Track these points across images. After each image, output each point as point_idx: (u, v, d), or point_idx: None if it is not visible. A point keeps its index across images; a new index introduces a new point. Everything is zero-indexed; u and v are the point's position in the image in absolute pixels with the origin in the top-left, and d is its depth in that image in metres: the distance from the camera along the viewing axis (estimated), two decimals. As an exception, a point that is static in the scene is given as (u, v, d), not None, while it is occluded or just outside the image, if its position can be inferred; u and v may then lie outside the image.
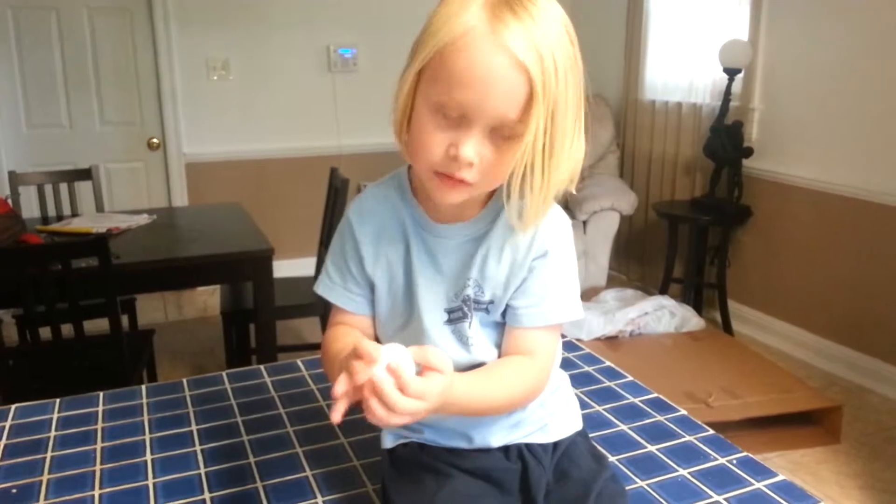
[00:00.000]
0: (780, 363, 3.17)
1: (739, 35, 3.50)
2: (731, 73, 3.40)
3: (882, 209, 2.98)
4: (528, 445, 0.98)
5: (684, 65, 3.91)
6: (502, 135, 0.77)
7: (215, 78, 4.13)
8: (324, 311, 2.89)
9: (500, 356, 0.93)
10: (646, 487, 1.06)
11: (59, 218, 2.99)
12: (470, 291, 0.91)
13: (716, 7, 3.68)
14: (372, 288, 0.94)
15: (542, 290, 0.90)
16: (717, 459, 1.13)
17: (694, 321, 3.38)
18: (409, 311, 0.93)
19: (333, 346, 0.91)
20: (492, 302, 0.91)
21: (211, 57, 4.10)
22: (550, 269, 0.90)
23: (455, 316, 0.92)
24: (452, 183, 0.80)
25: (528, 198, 0.80)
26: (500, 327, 0.94)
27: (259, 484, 1.07)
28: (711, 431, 1.22)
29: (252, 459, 1.13)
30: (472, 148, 0.77)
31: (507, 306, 0.92)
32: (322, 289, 0.97)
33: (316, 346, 3.01)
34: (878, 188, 2.98)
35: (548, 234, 0.90)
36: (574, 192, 0.86)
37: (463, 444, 0.97)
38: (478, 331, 0.93)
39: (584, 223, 3.84)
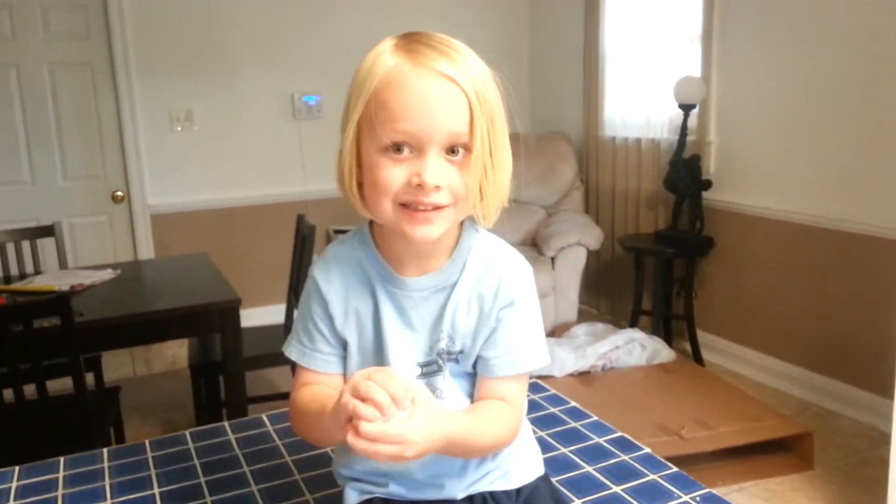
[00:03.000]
0: (751, 391, 3.20)
1: (692, 71, 3.60)
2: (686, 108, 3.49)
3: (842, 235, 3.05)
4: (492, 494, 0.98)
5: (641, 102, 4.00)
6: (455, 152, 0.81)
7: (179, 129, 4.14)
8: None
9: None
10: (611, 530, 1.06)
11: (22, 276, 2.94)
12: (444, 344, 0.92)
13: (668, 45, 3.79)
14: (344, 345, 0.95)
15: (511, 341, 0.92)
16: (680, 497, 1.14)
17: (665, 353, 3.40)
18: (379, 365, 0.93)
19: (312, 406, 0.90)
20: (461, 352, 0.93)
21: (174, 108, 4.11)
22: (518, 319, 0.92)
23: (429, 369, 0.93)
24: (425, 214, 0.81)
25: (485, 207, 0.85)
26: (469, 377, 0.96)
27: (222, 546, 1.05)
28: (675, 469, 1.23)
29: (215, 521, 1.12)
30: (434, 171, 0.79)
31: (478, 357, 0.93)
32: (294, 354, 0.96)
33: (287, 396, 2.97)
34: (836, 215, 3.06)
35: (512, 284, 0.92)
36: (506, 205, 0.89)
37: (430, 496, 0.97)
38: (449, 382, 0.94)
39: (553, 259, 3.88)
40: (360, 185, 0.85)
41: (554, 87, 4.73)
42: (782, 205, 3.31)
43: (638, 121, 4.03)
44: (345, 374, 0.96)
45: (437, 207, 0.81)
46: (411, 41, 0.81)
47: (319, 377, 0.95)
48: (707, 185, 3.56)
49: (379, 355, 0.93)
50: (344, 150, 0.84)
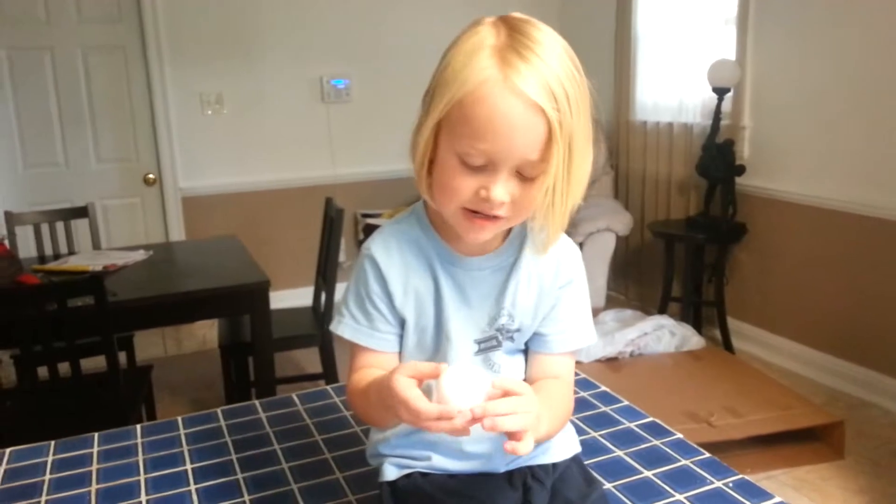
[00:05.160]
0: (782, 380, 3.16)
1: (727, 54, 3.53)
2: (720, 92, 3.42)
3: (877, 223, 2.99)
4: (531, 469, 0.99)
5: (674, 85, 3.94)
6: (526, 173, 0.81)
7: (209, 112, 4.17)
8: (322, 341, 2.89)
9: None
10: (642, 514, 1.05)
11: (56, 257, 2.99)
12: (504, 320, 0.94)
13: (702, 28, 3.72)
14: (402, 324, 0.95)
15: (569, 317, 0.97)
16: (713, 483, 1.12)
17: (694, 340, 3.37)
18: (437, 343, 0.95)
19: (367, 388, 0.90)
20: (518, 330, 0.96)
21: (204, 91, 4.13)
22: (575, 296, 0.97)
23: (487, 345, 0.95)
24: (483, 222, 0.84)
25: (549, 224, 0.85)
26: (521, 354, 0.99)
27: (254, 522, 1.06)
28: (707, 455, 1.22)
29: (247, 497, 1.13)
30: (503, 189, 0.81)
31: (535, 334, 0.97)
32: (348, 332, 0.95)
33: (315, 377, 3.01)
34: (872, 202, 2.99)
35: (570, 263, 0.96)
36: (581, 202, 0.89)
37: (473, 468, 0.97)
38: (505, 358, 0.97)
39: (581, 245, 3.85)
40: (430, 168, 0.85)
41: (584, 70, 4.66)
42: (817, 191, 3.24)
43: (670, 104, 3.97)
44: (401, 353, 0.96)
45: (497, 217, 0.84)
46: (509, 46, 0.79)
47: (377, 357, 0.95)
48: (741, 170, 3.50)
49: (438, 333, 0.94)
50: (421, 137, 0.83)
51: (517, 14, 0.83)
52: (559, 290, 0.95)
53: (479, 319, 0.94)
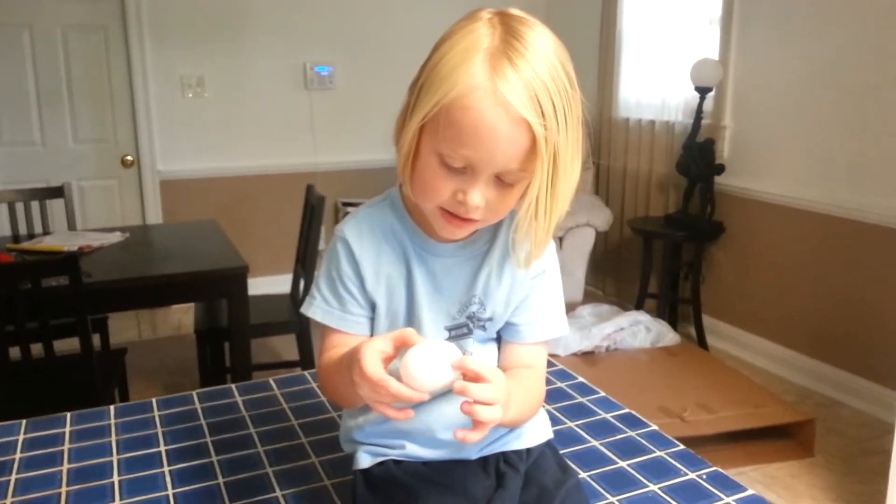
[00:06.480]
0: (755, 377, 3.20)
1: (710, 54, 3.56)
2: (703, 91, 3.45)
3: (852, 224, 3.03)
4: (504, 455, 0.99)
5: (657, 83, 3.96)
6: (505, 179, 0.81)
7: (190, 95, 4.12)
8: (299, 328, 2.88)
9: None
10: (616, 503, 1.06)
11: (31, 236, 2.94)
12: (474, 308, 0.94)
13: (687, 27, 3.75)
14: (373, 307, 0.94)
15: (542, 307, 0.97)
16: (687, 474, 1.14)
17: (669, 336, 3.40)
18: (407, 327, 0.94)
19: (337, 365, 0.90)
20: (490, 319, 0.96)
21: (186, 74, 4.08)
22: (548, 287, 0.98)
23: (457, 333, 0.95)
24: (459, 222, 0.84)
25: (532, 238, 0.85)
26: (493, 343, 0.99)
27: (228, 505, 1.06)
28: (682, 446, 1.23)
29: (221, 480, 1.12)
30: (479, 195, 0.81)
31: (507, 323, 0.97)
32: (319, 314, 0.94)
33: (292, 364, 2.99)
34: (850, 204, 3.03)
35: (544, 254, 0.95)
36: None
37: (445, 455, 0.97)
38: (477, 347, 0.97)
39: (560, 239, 3.87)
40: (414, 162, 0.84)
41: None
42: (795, 192, 3.28)
43: (653, 102, 3.99)
44: (371, 336, 0.96)
45: (472, 220, 0.84)
46: (502, 52, 0.77)
47: (348, 339, 0.94)
48: (720, 169, 3.53)
49: (409, 318, 0.94)
50: (406, 132, 0.82)
51: (516, 12, 0.82)
52: (532, 279, 0.95)
53: (450, 307, 0.94)
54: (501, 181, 0.81)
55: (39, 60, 3.84)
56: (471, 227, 0.86)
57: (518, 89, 0.76)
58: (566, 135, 0.80)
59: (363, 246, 0.92)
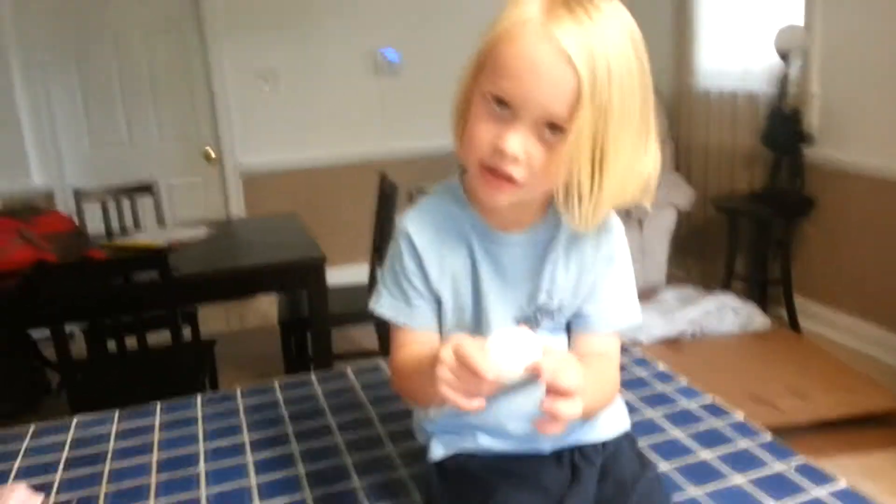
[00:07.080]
0: (852, 361, 3.04)
1: (794, 19, 3.38)
2: (788, 57, 3.28)
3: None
4: (579, 448, 0.97)
5: (738, 51, 3.79)
6: (549, 132, 0.77)
7: (266, 88, 4.21)
8: (377, 317, 2.91)
9: None
10: (698, 497, 1.02)
11: (123, 230, 3.09)
12: (542, 298, 0.91)
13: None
14: (438, 301, 0.93)
15: (611, 296, 0.94)
16: (774, 466, 1.09)
17: (759, 319, 3.27)
18: (475, 321, 0.92)
19: (414, 367, 0.88)
20: (559, 309, 0.93)
21: (260, 67, 4.18)
22: (617, 275, 0.94)
23: (526, 325, 0.91)
24: (499, 181, 0.80)
25: (578, 205, 0.80)
26: (561, 333, 0.96)
27: (308, 493, 1.08)
28: (769, 436, 1.17)
29: (302, 470, 1.14)
30: (517, 141, 0.77)
31: (576, 313, 0.94)
32: (386, 310, 0.93)
33: (371, 353, 3.03)
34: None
35: (611, 240, 0.93)
36: (648, 209, 0.86)
37: (518, 448, 0.95)
38: (547, 337, 0.94)
39: (640, 220, 3.77)
40: (464, 119, 0.83)
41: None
42: (890, 162, 3.09)
43: (734, 71, 3.82)
44: (441, 333, 0.94)
45: (511, 180, 0.79)
46: (563, 2, 0.76)
47: (417, 334, 0.93)
48: (809, 140, 3.36)
49: (476, 312, 0.92)
50: (463, 80, 0.82)
51: None
52: (600, 267, 0.92)
53: (518, 297, 0.91)
54: (545, 133, 0.77)
55: (122, 61, 4.02)
56: (512, 189, 0.80)
57: (569, 30, 0.74)
58: (622, 102, 0.76)
59: (424, 239, 0.90)
